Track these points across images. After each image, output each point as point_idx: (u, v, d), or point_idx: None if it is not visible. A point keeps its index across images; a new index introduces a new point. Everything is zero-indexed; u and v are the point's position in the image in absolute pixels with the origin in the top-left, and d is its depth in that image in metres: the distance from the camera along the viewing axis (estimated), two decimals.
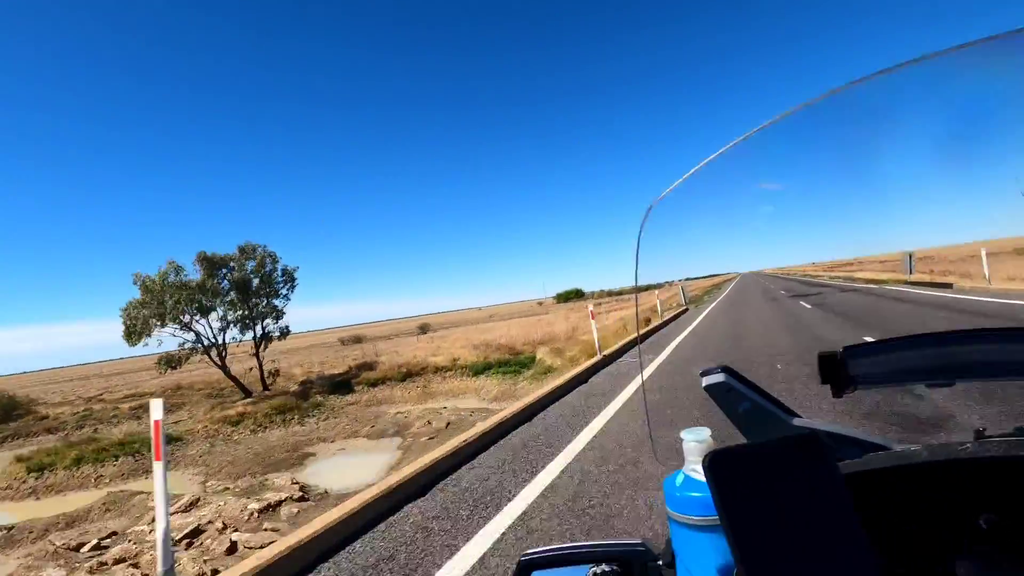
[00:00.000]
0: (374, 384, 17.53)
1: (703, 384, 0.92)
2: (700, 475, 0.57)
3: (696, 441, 0.63)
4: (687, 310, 19.54)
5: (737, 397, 0.89)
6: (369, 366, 19.15)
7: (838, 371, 0.90)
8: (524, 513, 3.38)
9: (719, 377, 0.89)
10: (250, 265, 18.26)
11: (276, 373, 19.32)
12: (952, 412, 3.78)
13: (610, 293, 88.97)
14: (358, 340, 45.48)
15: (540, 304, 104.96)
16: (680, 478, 0.62)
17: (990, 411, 3.57)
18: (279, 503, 7.51)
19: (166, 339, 16.73)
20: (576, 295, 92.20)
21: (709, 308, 18.73)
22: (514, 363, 16.96)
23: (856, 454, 0.72)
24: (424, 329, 46.63)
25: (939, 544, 0.55)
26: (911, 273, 16.02)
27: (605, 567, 0.63)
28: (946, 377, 0.84)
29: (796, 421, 0.88)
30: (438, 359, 18.26)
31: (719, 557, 0.56)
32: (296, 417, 13.82)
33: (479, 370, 17.06)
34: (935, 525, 0.55)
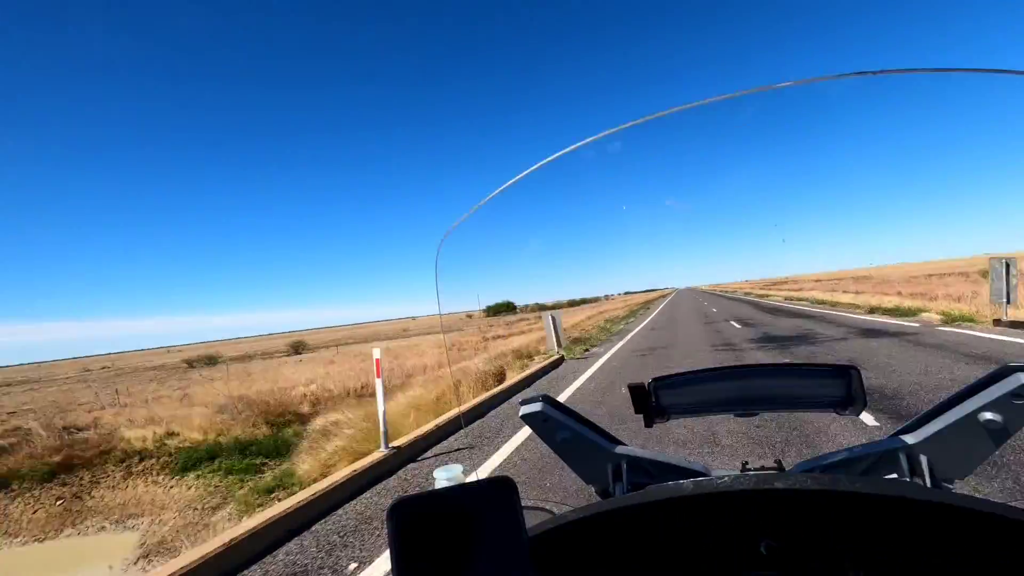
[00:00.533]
0: None
1: (520, 413, 0.91)
2: None
3: (447, 479, 0.67)
4: (560, 361, 10.74)
5: (555, 426, 0.89)
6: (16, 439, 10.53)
7: (647, 402, 0.94)
8: None
9: (536, 407, 0.89)
10: None
11: None
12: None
13: (542, 307, 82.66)
14: (212, 361, 36.02)
15: (469, 317, 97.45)
16: None
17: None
18: None
19: None
20: (507, 308, 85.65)
21: (601, 362, 10.23)
22: (262, 446, 9.18)
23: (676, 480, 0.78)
24: (298, 349, 37.77)
25: (722, 572, 0.57)
26: (1008, 301, 8.95)
27: None
28: (750, 408, 0.92)
29: (619, 449, 0.89)
30: (138, 434, 10.05)
31: None
32: None
33: (198, 459, 9.08)
34: (718, 553, 0.57)
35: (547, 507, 0.84)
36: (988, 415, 0.69)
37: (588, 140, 0.73)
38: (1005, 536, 0.44)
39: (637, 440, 4.24)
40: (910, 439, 0.76)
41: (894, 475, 0.77)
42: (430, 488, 0.54)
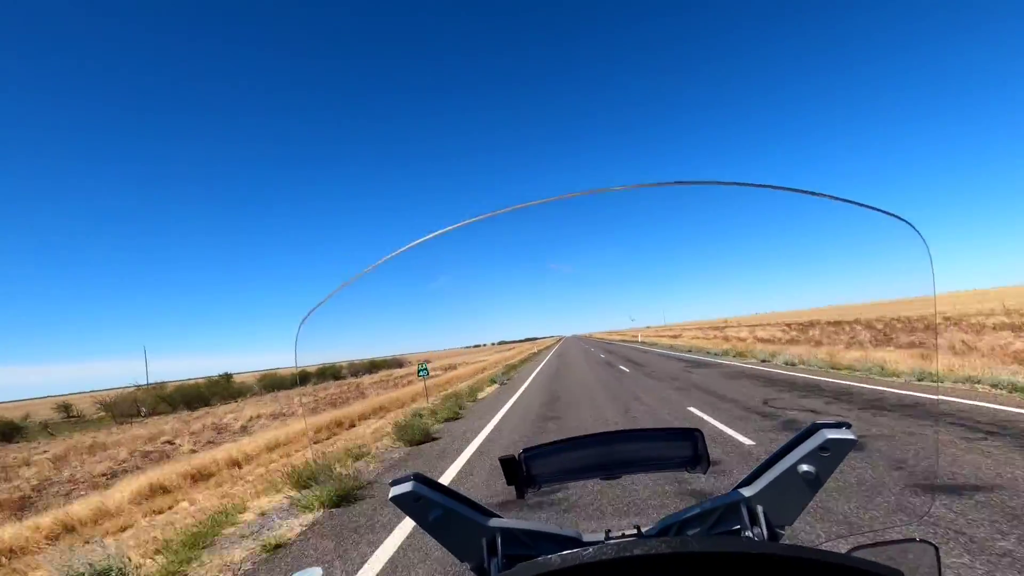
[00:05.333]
0: None
1: (390, 495, 0.86)
2: None
3: None
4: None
5: (428, 505, 0.86)
6: None
7: (518, 473, 0.97)
8: None
9: (406, 487, 0.85)
10: None
11: None
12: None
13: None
14: None
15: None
16: None
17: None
18: None
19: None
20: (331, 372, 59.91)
21: None
22: None
23: (551, 549, 0.84)
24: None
25: None
26: None
27: None
28: (614, 471, 0.97)
29: (492, 522, 0.89)
30: None
31: None
32: None
33: None
34: None
35: None
36: (804, 467, 0.79)
37: (459, 224, 0.86)
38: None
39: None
40: (747, 492, 0.85)
41: (738, 526, 0.84)
42: None
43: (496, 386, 17.89)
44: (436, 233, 0.88)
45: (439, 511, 0.86)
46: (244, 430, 21.04)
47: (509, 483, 0.96)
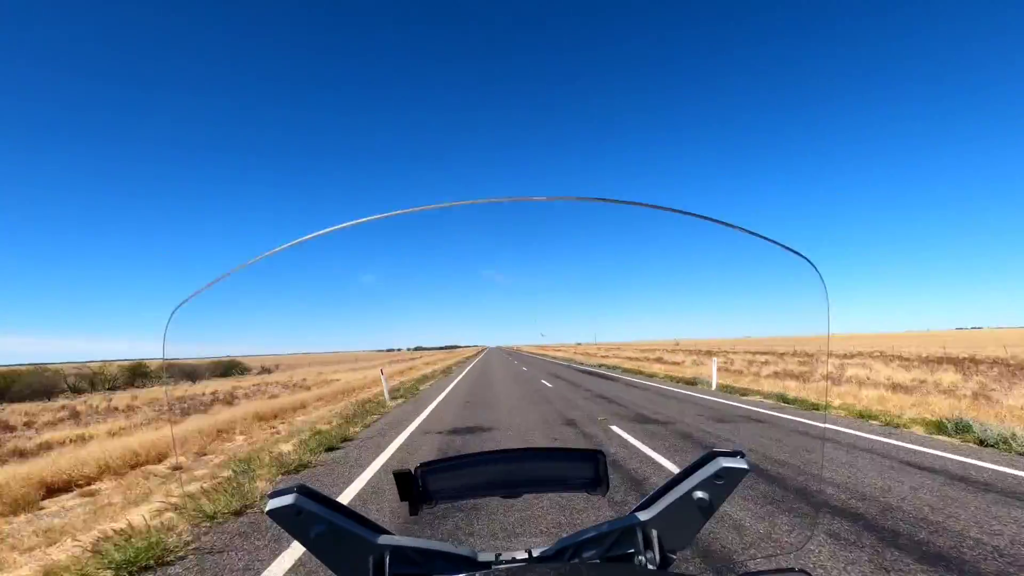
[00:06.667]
0: None
1: (267, 508, 0.77)
2: None
3: None
4: None
5: (310, 520, 0.77)
6: None
7: (413, 488, 0.91)
8: None
9: (287, 499, 0.76)
10: None
11: None
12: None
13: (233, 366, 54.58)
14: None
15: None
16: None
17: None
18: None
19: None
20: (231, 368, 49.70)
21: None
22: None
23: (444, 568, 0.81)
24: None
25: None
26: None
27: None
28: (515, 490, 0.93)
29: (381, 539, 0.83)
30: None
31: None
32: None
33: None
34: None
35: None
36: (699, 494, 0.81)
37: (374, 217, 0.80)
38: None
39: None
40: (644, 516, 0.86)
41: (632, 549, 0.86)
42: None
43: None
44: (343, 225, 0.79)
45: (322, 526, 0.78)
46: None
47: (403, 499, 0.90)
